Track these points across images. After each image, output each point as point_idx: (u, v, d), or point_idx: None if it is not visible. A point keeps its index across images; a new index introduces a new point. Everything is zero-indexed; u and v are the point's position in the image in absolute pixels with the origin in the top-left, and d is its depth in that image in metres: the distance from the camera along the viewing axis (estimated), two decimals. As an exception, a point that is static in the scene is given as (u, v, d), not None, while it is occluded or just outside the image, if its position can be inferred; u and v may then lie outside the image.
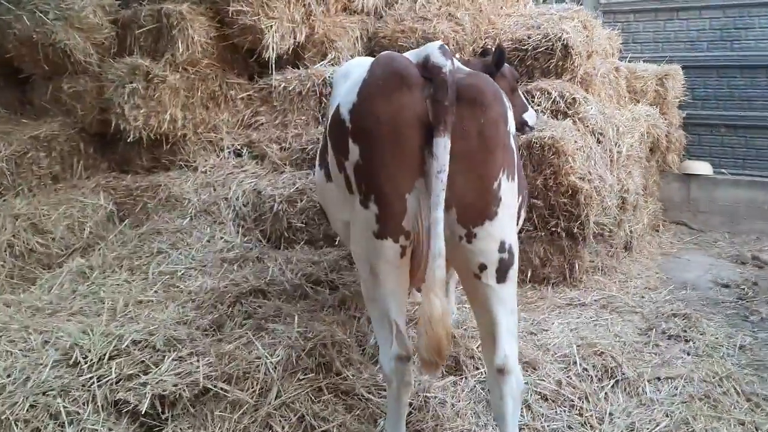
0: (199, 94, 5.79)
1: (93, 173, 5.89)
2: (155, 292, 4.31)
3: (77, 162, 5.80)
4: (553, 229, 5.58)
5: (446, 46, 2.65)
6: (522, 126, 5.21)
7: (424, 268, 2.60)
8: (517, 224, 3.27)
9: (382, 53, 2.72)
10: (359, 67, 2.98)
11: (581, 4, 9.12)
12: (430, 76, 2.54)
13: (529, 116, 5.14)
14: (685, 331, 4.72)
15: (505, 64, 4.88)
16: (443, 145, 2.44)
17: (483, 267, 2.68)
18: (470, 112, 2.54)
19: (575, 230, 5.50)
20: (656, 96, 7.56)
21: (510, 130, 2.72)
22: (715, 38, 8.21)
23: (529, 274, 5.70)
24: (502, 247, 2.68)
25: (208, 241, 4.96)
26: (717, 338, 4.65)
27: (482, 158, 2.58)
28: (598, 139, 5.86)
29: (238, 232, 5.11)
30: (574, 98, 5.72)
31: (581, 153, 5.52)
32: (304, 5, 5.84)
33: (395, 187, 2.58)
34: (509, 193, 2.71)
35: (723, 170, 8.12)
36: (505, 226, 2.71)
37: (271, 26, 5.47)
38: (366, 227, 2.69)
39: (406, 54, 2.76)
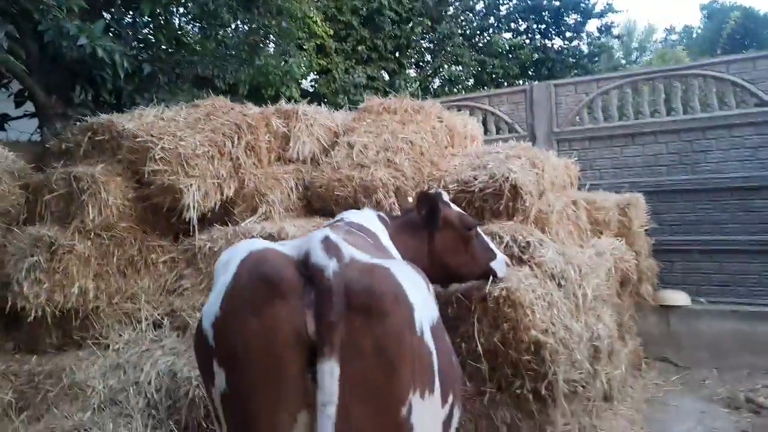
0: (114, 260, 5.19)
1: (-5, 356, 5.16)
2: None
3: (-25, 345, 5.10)
4: (519, 391, 4.89)
5: (332, 237, 2.12)
6: (487, 277, 4.55)
7: None
8: (451, 429, 2.63)
9: (253, 251, 2.17)
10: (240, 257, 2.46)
11: (534, 135, 9.02)
12: (311, 278, 2.01)
13: (498, 265, 4.47)
14: None
15: (454, 209, 4.34)
16: (329, 372, 1.86)
17: None
18: (364, 323, 1.97)
19: (543, 391, 4.82)
20: (620, 226, 7.13)
21: (421, 332, 2.14)
22: (674, 162, 7.97)
23: (496, 445, 4.98)
24: (418, 494, 2.03)
25: (110, 441, 4.19)
26: None
27: (382, 381, 1.99)
28: (559, 283, 5.31)
29: (147, 426, 4.34)
30: (527, 242, 5.22)
31: (541, 302, 4.95)
32: (231, 159, 5.42)
33: (271, 424, 1.96)
34: (427, 412, 2.10)
35: (701, 299, 7.58)
36: (421, 462, 2.07)
37: (191, 185, 5.00)
38: (239, 476, 2.04)
39: (288, 246, 2.23)
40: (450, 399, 2.46)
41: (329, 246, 2.05)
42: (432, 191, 5.08)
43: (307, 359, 1.94)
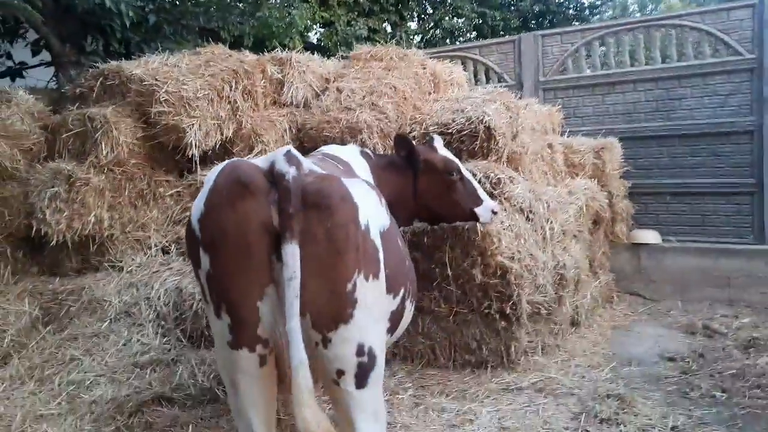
0: (126, 193, 5.81)
1: (22, 278, 5.81)
2: (59, 404, 4.18)
3: (4, 267, 5.73)
4: (487, 310, 5.49)
5: (294, 151, 2.67)
6: (471, 220, 4.72)
7: (290, 378, 2.53)
8: (405, 318, 3.20)
9: (229, 162, 2.73)
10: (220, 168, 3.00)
11: (522, 84, 9.44)
12: (275, 182, 2.55)
13: (482, 211, 4.56)
14: (618, 414, 4.59)
15: (440, 153, 4.55)
16: (291, 252, 2.41)
17: (341, 373, 2.61)
18: (316, 216, 2.52)
19: (508, 311, 5.42)
20: (594, 169, 7.63)
21: (367, 229, 2.68)
22: (651, 109, 8.40)
23: (466, 359, 5.62)
24: (360, 351, 2.62)
25: (125, 344, 4.85)
26: (650, 419, 4.53)
27: (331, 262, 2.54)
28: (527, 216, 5.85)
29: (157, 334, 5.00)
30: (499, 178, 5.75)
31: (509, 233, 5.50)
32: (230, 102, 5.94)
33: (244, 295, 2.54)
34: (371, 293, 2.66)
35: (671, 238, 8.11)
36: (364, 328, 2.65)
37: (193, 125, 5.55)
38: (221, 338, 2.64)
39: (257, 159, 2.78)
40: (401, 292, 3.03)
41: (291, 158, 2.60)
42: (428, 136, 5.26)
43: (272, 244, 2.50)
